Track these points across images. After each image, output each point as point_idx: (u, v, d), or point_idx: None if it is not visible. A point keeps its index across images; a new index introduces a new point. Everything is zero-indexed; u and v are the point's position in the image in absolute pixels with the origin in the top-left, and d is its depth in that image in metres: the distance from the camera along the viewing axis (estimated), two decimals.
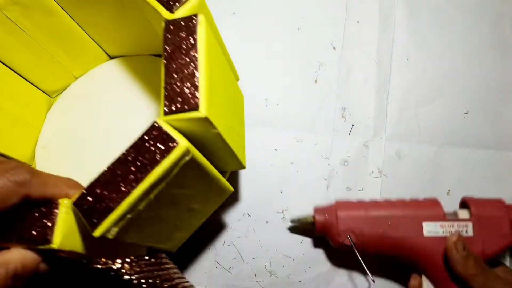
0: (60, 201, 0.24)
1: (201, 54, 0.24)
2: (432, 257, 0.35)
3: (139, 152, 0.23)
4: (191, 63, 0.24)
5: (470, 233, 0.35)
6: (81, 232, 0.25)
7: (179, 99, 0.23)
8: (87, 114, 0.43)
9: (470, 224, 0.35)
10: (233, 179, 0.43)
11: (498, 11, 0.48)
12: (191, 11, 0.27)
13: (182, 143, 0.23)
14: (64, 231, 0.24)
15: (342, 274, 0.42)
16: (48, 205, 0.24)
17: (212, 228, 0.42)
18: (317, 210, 0.39)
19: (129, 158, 0.23)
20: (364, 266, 0.35)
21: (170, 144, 0.23)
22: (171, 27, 0.25)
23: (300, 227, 0.41)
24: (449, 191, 0.44)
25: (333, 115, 0.45)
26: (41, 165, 0.41)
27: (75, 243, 0.25)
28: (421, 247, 0.35)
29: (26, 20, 0.34)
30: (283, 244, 0.42)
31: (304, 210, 0.41)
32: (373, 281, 0.39)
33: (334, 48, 0.47)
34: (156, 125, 0.23)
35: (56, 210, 0.24)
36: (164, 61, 0.25)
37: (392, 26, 0.48)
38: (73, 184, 0.25)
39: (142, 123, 0.40)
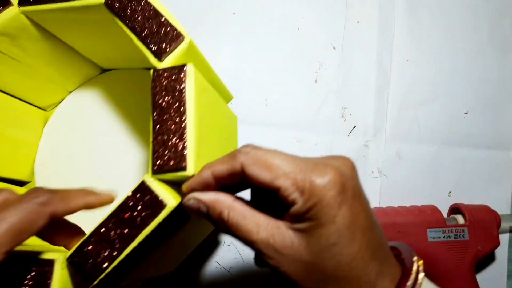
0: (56, 259, 0.24)
1: (190, 108, 0.25)
2: (435, 260, 0.37)
3: (128, 211, 0.24)
4: (180, 118, 0.24)
5: (466, 237, 0.38)
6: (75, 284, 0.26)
7: (167, 157, 0.24)
8: (83, 126, 0.42)
9: (466, 229, 0.39)
10: None
11: (498, 11, 0.48)
12: (181, 58, 0.27)
13: (171, 203, 0.23)
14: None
15: None
16: (44, 263, 0.24)
17: (212, 228, 0.42)
18: None
19: (119, 216, 0.24)
20: None
21: (158, 204, 0.23)
22: (160, 77, 0.25)
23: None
24: (450, 192, 0.44)
25: (333, 115, 0.45)
26: (40, 182, 0.41)
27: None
28: (426, 251, 0.37)
29: (16, 48, 0.34)
30: None
31: None
32: None
33: (334, 48, 0.47)
34: (144, 186, 0.24)
35: (52, 268, 0.24)
36: (153, 114, 0.25)
37: (392, 26, 0.48)
38: (89, 192, 0.26)
39: (136, 133, 0.41)
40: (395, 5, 0.48)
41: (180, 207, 0.24)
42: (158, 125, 0.25)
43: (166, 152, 0.24)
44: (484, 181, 0.44)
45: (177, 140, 0.24)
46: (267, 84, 0.46)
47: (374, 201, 0.43)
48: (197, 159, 0.24)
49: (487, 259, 0.42)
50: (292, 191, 0.21)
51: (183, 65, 0.25)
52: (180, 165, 0.24)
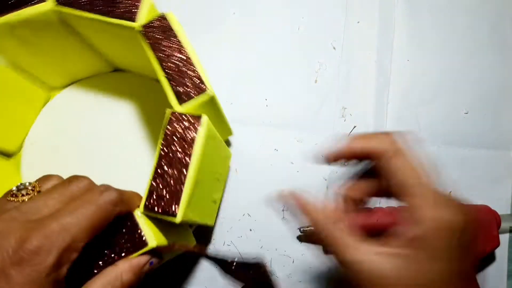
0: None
1: (194, 162, 0.27)
2: None
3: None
4: (182, 167, 0.27)
5: None
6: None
7: (160, 200, 0.26)
8: (81, 115, 0.43)
9: None
10: (234, 179, 0.43)
11: (498, 11, 0.48)
12: (198, 108, 0.29)
13: (151, 243, 0.26)
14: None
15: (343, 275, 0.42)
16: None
17: (212, 228, 0.42)
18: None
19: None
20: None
21: (141, 241, 0.26)
22: (176, 120, 0.28)
23: (310, 237, 0.41)
24: (450, 192, 0.44)
25: (333, 115, 0.45)
26: (27, 161, 0.42)
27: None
28: None
29: (37, 38, 0.35)
30: (283, 244, 0.42)
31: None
32: None
33: (334, 48, 0.47)
34: (133, 221, 0.26)
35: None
36: (160, 151, 0.27)
37: (392, 26, 0.48)
38: (139, 195, 0.28)
39: (133, 136, 0.42)
40: (395, 5, 0.48)
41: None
42: (161, 165, 0.27)
43: (160, 197, 0.26)
44: (484, 181, 0.44)
45: (173, 188, 0.26)
46: (267, 84, 0.46)
47: (374, 201, 0.43)
48: (186, 209, 0.26)
49: (487, 259, 0.42)
50: (419, 213, 0.22)
51: (199, 116, 0.28)
52: (170, 212, 0.26)
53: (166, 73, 0.29)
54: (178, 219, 0.26)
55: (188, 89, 0.29)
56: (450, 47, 0.47)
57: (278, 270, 0.41)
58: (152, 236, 0.26)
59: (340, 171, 0.43)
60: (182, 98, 0.28)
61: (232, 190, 0.43)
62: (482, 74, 0.47)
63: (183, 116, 0.28)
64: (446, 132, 0.45)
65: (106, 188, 0.25)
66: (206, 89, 0.29)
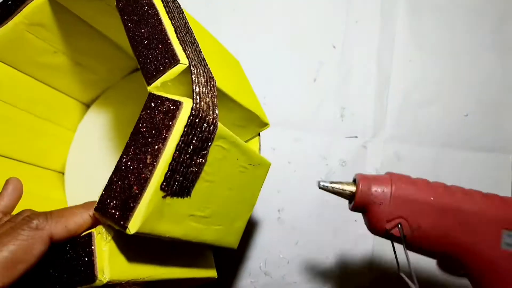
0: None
1: (162, 162, 0.21)
2: (504, 276, 0.27)
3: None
4: (145, 166, 0.21)
5: None
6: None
7: (114, 202, 0.21)
8: (116, 123, 0.40)
9: None
10: None
11: (500, 13, 0.48)
12: (183, 88, 0.24)
13: (101, 278, 0.21)
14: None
15: (338, 276, 0.41)
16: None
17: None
18: (362, 178, 0.28)
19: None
20: (412, 272, 0.27)
21: (89, 273, 0.21)
22: (151, 103, 0.22)
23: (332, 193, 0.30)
24: None
25: (332, 115, 0.45)
26: (70, 176, 0.39)
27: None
28: (496, 262, 0.27)
29: (52, 36, 0.33)
30: (278, 245, 0.41)
31: (302, 210, 0.41)
32: None
33: (334, 47, 0.47)
34: (84, 245, 0.22)
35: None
36: (128, 141, 0.22)
37: (393, 26, 0.47)
38: (92, 204, 0.23)
39: None
40: (396, 5, 0.48)
41: None
42: (121, 161, 0.21)
43: (116, 195, 0.21)
44: (484, 184, 0.44)
45: (132, 189, 0.20)
46: (266, 82, 0.46)
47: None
48: (148, 219, 0.21)
49: None
50: None
51: (178, 101, 0.21)
52: (120, 223, 0.20)
53: (133, 46, 0.23)
54: (130, 230, 0.20)
55: (158, 63, 0.22)
56: (451, 49, 0.47)
57: (273, 271, 0.41)
58: (107, 267, 0.21)
59: (338, 172, 0.43)
60: (150, 75, 0.22)
61: None
62: (483, 77, 0.46)
63: (160, 98, 0.22)
64: (446, 134, 0.45)
65: (23, 213, 0.21)
66: (178, 58, 0.22)
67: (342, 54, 0.46)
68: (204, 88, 0.22)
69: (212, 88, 0.23)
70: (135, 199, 0.20)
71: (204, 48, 0.25)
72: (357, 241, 0.42)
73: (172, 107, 0.21)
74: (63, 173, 0.39)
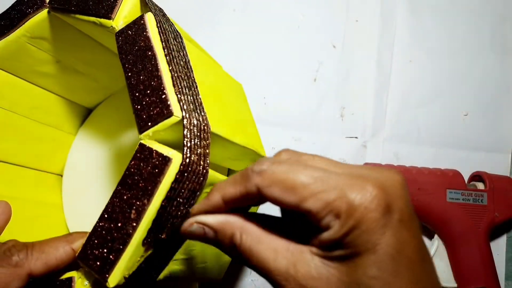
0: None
1: (145, 218, 0.21)
2: (452, 220, 0.39)
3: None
4: (128, 221, 0.20)
5: (485, 202, 0.40)
6: None
7: (96, 252, 0.21)
8: (117, 130, 0.40)
9: (485, 194, 0.40)
10: None
11: (499, 13, 0.48)
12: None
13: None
14: None
15: None
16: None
17: None
18: None
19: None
20: None
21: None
22: (140, 154, 0.21)
23: None
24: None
25: (332, 115, 0.45)
26: (67, 182, 0.39)
27: None
28: (443, 211, 0.39)
29: (54, 48, 0.33)
30: None
31: None
32: None
33: (334, 46, 0.47)
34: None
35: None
36: (116, 188, 0.21)
37: (393, 26, 0.47)
38: (76, 236, 0.23)
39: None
40: (396, 5, 0.48)
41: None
42: (107, 210, 0.21)
43: (99, 245, 0.20)
44: None
45: (116, 243, 0.20)
46: (266, 82, 0.46)
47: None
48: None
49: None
50: (324, 214, 0.17)
51: (166, 157, 0.21)
52: (100, 274, 0.20)
53: (129, 88, 0.23)
54: (109, 284, 0.20)
55: (151, 112, 0.22)
56: (450, 48, 0.47)
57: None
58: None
59: None
60: (142, 123, 0.22)
61: None
62: (482, 77, 0.47)
63: (150, 151, 0.21)
64: (445, 134, 0.45)
65: (9, 246, 0.21)
66: (172, 111, 0.21)
67: (342, 54, 0.47)
68: (196, 139, 0.22)
69: (206, 136, 0.22)
70: (117, 254, 0.20)
71: (203, 84, 0.25)
72: None
73: (161, 162, 0.21)
74: (61, 175, 0.39)
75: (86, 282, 0.21)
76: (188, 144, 0.21)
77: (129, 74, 0.23)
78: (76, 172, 0.39)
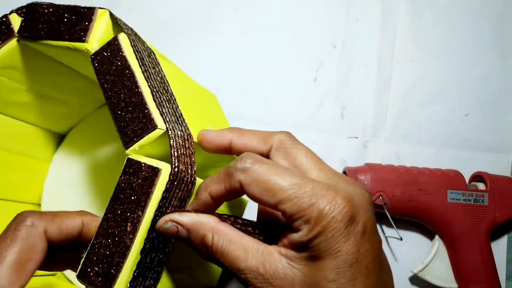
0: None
1: (142, 229, 0.21)
2: (453, 221, 0.39)
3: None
4: (124, 235, 0.21)
5: (486, 202, 0.40)
6: None
7: (96, 269, 0.21)
8: (93, 152, 0.40)
9: (486, 195, 0.40)
10: None
11: (500, 13, 0.48)
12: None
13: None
14: None
15: None
16: None
17: None
18: (349, 170, 0.40)
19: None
20: (393, 224, 0.39)
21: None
22: (129, 168, 0.22)
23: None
24: None
25: (332, 114, 0.45)
26: (46, 207, 0.39)
27: None
28: (443, 211, 0.39)
29: (25, 78, 0.32)
30: None
31: None
32: (401, 238, 0.41)
33: (334, 46, 0.47)
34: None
35: None
36: (109, 204, 0.22)
37: (393, 25, 0.47)
38: (83, 212, 0.24)
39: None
40: (397, 4, 0.48)
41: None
42: (102, 226, 0.21)
43: (98, 261, 0.21)
44: None
45: (116, 258, 0.21)
46: (266, 82, 0.46)
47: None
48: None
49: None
50: (297, 217, 0.18)
51: (155, 168, 0.21)
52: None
53: (110, 108, 0.23)
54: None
55: (135, 127, 0.22)
56: (451, 48, 0.47)
57: None
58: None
59: (339, 171, 0.43)
60: (128, 138, 0.22)
61: None
62: (483, 76, 0.46)
63: (139, 165, 0.22)
64: (446, 134, 0.45)
65: (24, 215, 0.22)
66: (156, 124, 0.22)
67: (343, 53, 0.46)
68: (182, 149, 0.22)
69: (190, 146, 0.23)
70: (117, 267, 0.20)
71: (180, 97, 0.26)
72: None
73: (150, 173, 0.21)
74: (39, 205, 0.39)
75: None
76: (176, 154, 0.22)
77: (109, 93, 0.23)
78: (53, 199, 0.39)
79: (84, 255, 0.21)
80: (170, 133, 0.22)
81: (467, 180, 0.41)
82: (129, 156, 0.22)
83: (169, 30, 0.46)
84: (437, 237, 0.40)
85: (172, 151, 0.22)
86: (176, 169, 0.21)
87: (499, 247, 0.42)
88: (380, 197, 0.39)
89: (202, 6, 0.47)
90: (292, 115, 0.45)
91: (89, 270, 0.21)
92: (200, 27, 0.47)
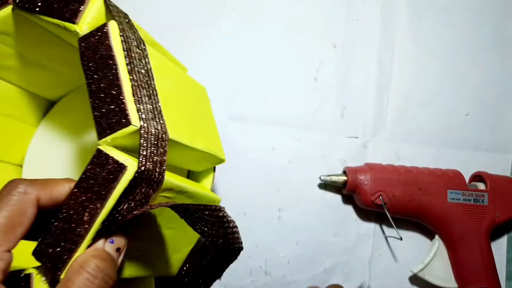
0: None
1: (95, 224, 0.21)
2: (453, 220, 0.39)
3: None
4: (80, 224, 0.21)
5: (486, 202, 0.40)
6: None
7: (50, 251, 0.21)
8: (81, 124, 0.40)
9: (486, 195, 0.40)
10: (230, 176, 0.43)
11: (501, 13, 0.48)
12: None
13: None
14: None
15: (337, 275, 0.41)
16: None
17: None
18: (349, 169, 0.41)
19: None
20: (393, 224, 0.39)
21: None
22: (97, 159, 0.22)
23: (330, 185, 0.43)
24: None
25: (332, 114, 0.45)
26: (27, 173, 0.39)
27: None
28: (443, 211, 0.39)
29: (19, 45, 0.33)
30: (278, 244, 0.41)
31: (302, 210, 0.41)
32: (401, 238, 0.41)
33: (334, 46, 0.47)
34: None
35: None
36: (72, 190, 0.22)
37: (394, 25, 0.47)
38: (70, 180, 0.24)
39: None
40: (397, 4, 0.48)
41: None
42: (63, 211, 0.21)
43: (54, 243, 0.21)
44: None
45: (68, 245, 0.21)
46: (266, 81, 0.46)
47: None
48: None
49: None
50: None
51: (121, 164, 0.21)
52: (52, 272, 0.21)
53: (90, 95, 0.23)
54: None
55: (110, 120, 0.22)
56: (451, 48, 0.47)
57: (273, 270, 0.41)
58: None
59: (339, 171, 0.43)
60: (101, 129, 0.22)
61: (228, 188, 0.42)
62: (483, 76, 0.46)
63: (106, 157, 0.22)
64: (446, 134, 0.45)
65: (11, 181, 0.23)
66: (130, 120, 0.22)
67: (343, 53, 0.46)
68: (153, 148, 0.23)
69: (163, 144, 0.23)
70: (69, 253, 0.21)
71: (165, 91, 0.26)
72: (357, 241, 0.42)
73: (116, 169, 0.21)
74: (21, 166, 0.39)
75: (44, 279, 0.22)
76: (144, 153, 0.22)
77: (90, 80, 0.23)
78: (36, 163, 0.39)
79: (43, 235, 0.21)
80: (142, 131, 0.22)
81: (467, 180, 0.41)
82: (99, 147, 0.22)
83: (169, 30, 0.46)
84: (437, 237, 0.40)
85: (141, 150, 0.22)
86: (142, 168, 0.22)
87: (499, 247, 0.42)
88: (380, 197, 0.39)
89: (202, 6, 0.47)
90: (292, 115, 0.45)
91: (44, 250, 0.21)
92: (200, 27, 0.47)
